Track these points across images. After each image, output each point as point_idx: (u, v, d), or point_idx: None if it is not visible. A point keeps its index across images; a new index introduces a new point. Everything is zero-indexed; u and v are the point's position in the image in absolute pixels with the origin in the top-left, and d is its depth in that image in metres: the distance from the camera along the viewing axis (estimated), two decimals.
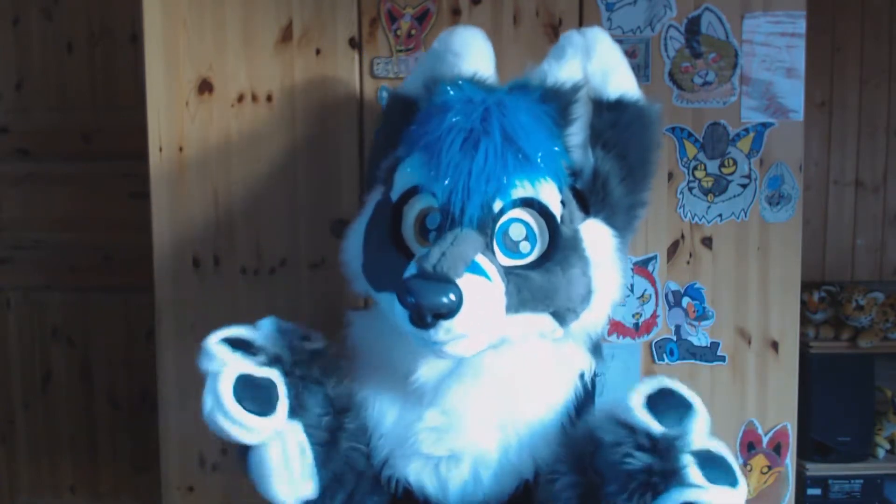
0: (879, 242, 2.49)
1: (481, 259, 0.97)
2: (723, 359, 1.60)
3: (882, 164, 2.47)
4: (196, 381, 1.60)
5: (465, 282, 0.93)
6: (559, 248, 1.03)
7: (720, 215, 1.59)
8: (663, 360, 1.59)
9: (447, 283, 0.91)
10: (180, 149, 1.57)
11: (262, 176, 1.57)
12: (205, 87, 1.56)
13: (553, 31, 1.55)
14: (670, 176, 1.58)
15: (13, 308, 2.24)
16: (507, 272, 1.00)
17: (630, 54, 1.55)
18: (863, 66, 2.45)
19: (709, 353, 1.60)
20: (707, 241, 1.59)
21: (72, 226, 2.19)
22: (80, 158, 2.18)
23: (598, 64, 1.12)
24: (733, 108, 1.57)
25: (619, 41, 1.54)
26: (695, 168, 1.58)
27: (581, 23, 1.55)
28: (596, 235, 1.07)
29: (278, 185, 1.57)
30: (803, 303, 2.08)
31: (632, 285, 1.59)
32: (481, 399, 1.06)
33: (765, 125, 1.57)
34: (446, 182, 0.99)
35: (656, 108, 1.17)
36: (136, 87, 1.70)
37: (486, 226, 1.00)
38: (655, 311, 1.59)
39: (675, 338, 1.59)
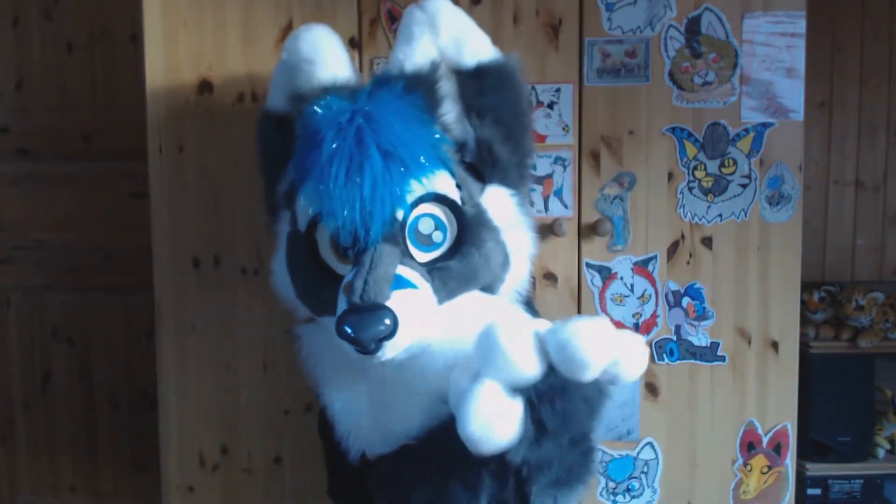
0: (879, 242, 2.49)
1: (402, 270, 1.02)
2: (723, 359, 1.60)
3: (882, 164, 2.47)
4: (196, 380, 1.61)
5: (395, 301, 0.98)
6: (468, 228, 1.08)
7: (720, 215, 1.59)
8: (663, 360, 1.60)
9: (379, 309, 0.97)
10: (180, 149, 1.57)
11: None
12: (205, 87, 1.56)
13: (553, 31, 1.55)
14: (670, 176, 1.58)
15: (13, 308, 2.24)
16: (429, 269, 1.05)
17: (630, 54, 1.55)
18: (863, 66, 2.44)
19: (709, 353, 1.60)
20: (707, 241, 1.59)
21: (72, 226, 2.19)
22: (80, 158, 2.18)
23: (447, 35, 1.13)
24: (733, 108, 1.57)
25: (619, 41, 1.55)
26: (695, 168, 1.58)
27: (581, 23, 1.55)
28: (497, 202, 1.13)
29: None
30: (803, 303, 2.08)
31: (632, 285, 1.59)
32: (431, 386, 1.07)
33: (765, 125, 1.57)
34: (345, 213, 1.03)
35: (514, 62, 1.17)
36: (136, 87, 1.69)
37: (396, 235, 1.05)
38: (655, 311, 1.59)
39: (675, 338, 1.60)
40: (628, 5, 1.55)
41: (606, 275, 1.58)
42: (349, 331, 0.96)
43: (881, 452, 2.22)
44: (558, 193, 1.57)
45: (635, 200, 1.58)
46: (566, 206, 1.57)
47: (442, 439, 1.01)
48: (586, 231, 1.58)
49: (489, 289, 1.12)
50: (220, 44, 1.56)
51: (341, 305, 1.01)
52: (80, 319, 2.22)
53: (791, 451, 1.62)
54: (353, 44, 1.55)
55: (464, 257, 1.07)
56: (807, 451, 2.09)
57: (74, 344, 2.23)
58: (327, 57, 1.18)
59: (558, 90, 1.56)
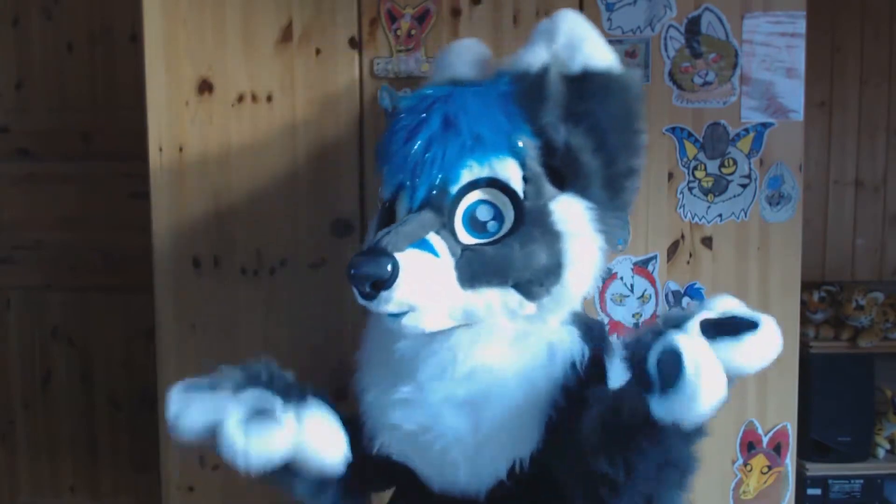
0: (879, 242, 2.49)
1: (433, 237, 1.02)
2: None
3: (882, 164, 2.47)
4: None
5: (405, 255, 0.98)
6: (523, 223, 1.04)
7: (720, 215, 1.59)
8: None
9: (382, 255, 0.97)
10: (180, 149, 1.57)
11: (262, 176, 1.57)
12: (205, 87, 1.56)
13: None
14: (670, 176, 1.58)
15: (13, 308, 2.24)
16: (464, 249, 1.03)
17: (630, 54, 1.55)
18: (863, 66, 2.45)
19: None
20: (707, 241, 1.59)
21: (72, 226, 2.19)
22: (80, 158, 2.18)
23: (563, 41, 1.12)
24: (733, 108, 1.57)
25: (619, 41, 1.55)
26: (695, 168, 1.58)
27: None
28: (570, 210, 1.07)
29: (278, 185, 1.57)
30: (803, 303, 2.08)
31: (632, 285, 1.59)
32: (452, 376, 1.06)
33: (765, 125, 1.57)
34: (400, 176, 1.06)
35: (628, 74, 1.13)
36: (136, 87, 1.69)
37: (442, 207, 1.04)
38: (655, 312, 1.59)
39: None
40: (628, 5, 1.55)
41: (606, 275, 1.58)
42: (350, 265, 0.97)
43: (881, 452, 2.22)
44: None
45: (635, 200, 1.58)
46: None
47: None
48: None
49: (524, 290, 1.05)
50: (220, 44, 1.56)
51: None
52: (80, 319, 2.22)
53: (791, 451, 1.62)
54: (353, 44, 1.55)
55: (502, 247, 1.03)
56: (807, 451, 2.09)
57: (74, 344, 2.23)
58: (461, 61, 1.24)
59: None
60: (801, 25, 1.55)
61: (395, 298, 0.98)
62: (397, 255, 0.97)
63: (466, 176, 1.04)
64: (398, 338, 1.09)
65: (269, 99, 1.56)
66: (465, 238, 1.04)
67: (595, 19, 1.54)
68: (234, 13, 1.55)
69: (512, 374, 1.07)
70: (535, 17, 1.54)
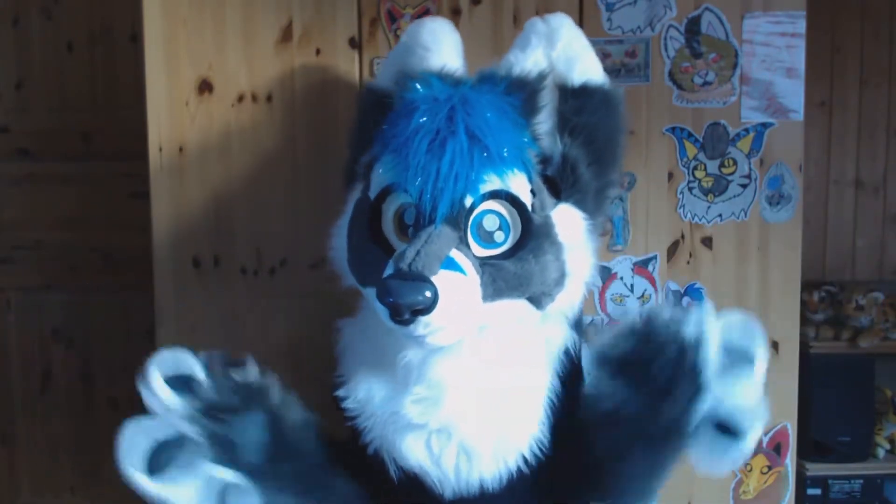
0: (879, 242, 2.49)
1: (456, 254, 1.01)
2: None
3: (882, 164, 2.47)
4: None
5: (441, 278, 0.97)
6: (531, 235, 1.06)
7: (720, 215, 1.59)
8: None
9: (423, 281, 0.96)
10: (180, 149, 1.57)
11: (262, 176, 1.57)
12: (205, 87, 1.56)
13: None
14: (670, 176, 1.58)
15: (13, 308, 2.24)
16: (482, 263, 1.04)
17: (630, 54, 1.55)
18: (863, 66, 2.45)
19: None
20: (707, 241, 1.59)
21: (72, 226, 2.19)
22: (80, 158, 2.18)
23: (562, 51, 1.15)
24: (733, 108, 1.57)
25: (619, 41, 1.55)
26: (695, 168, 1.58)
27: (581, 23, 1.55)
28: (567, 220, 1.11)
29: (278, 185, 1.57)
30: (803, 303, 2.08)
31: (632, 285, 1.59)
32: (463, 371, 1.08)
33: (765, 125, 1.57)
34: (417, 183, 1.04)
35: (620, 91, 1.19)
36: (136, 87, 1.69)
37: (459, 220, 1.04)
38: None
39: None
40: (628, 5, 1.55)
41: (606, 275, 1.58)
42: (388, 295, 0.96)
43: (881, 452, 2.22)
44: None
45: (635, 200, 1.58)
46: None
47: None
48: None
49: (536, 301, 1.09)
50: (220, 44, 1.56)
51: (388, 271, 1.01)
52: (80, 319, 2.22)
53: (791, 451, 1.62)
54: (353, 44, 1.55)
55: (520, 261, 1.05)
56: (807, 451, 2.09)
57: (74, 344, 2.22)
58: (444, 47, 1.20)
59: None
60: (801, 25, 1.55)
61: (433, 323, 0.98)
62: (434, 280, 0.97)
63: (484, 189, 1.05)
64: (399, 345, 1.09)
65: (269, 99, 1.56)
66: (477, 250, 1.05)
67: (595, 19, 1.55)
68: (234, 13, 1.55)
69: (516, 368, 1.11)
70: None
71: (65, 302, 2.22)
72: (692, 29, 1.55)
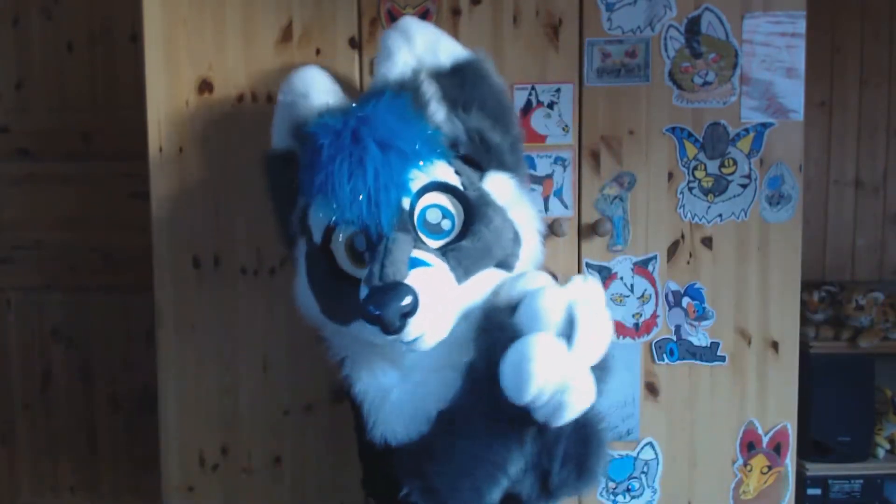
0: (879, 242, 2.49)
1: (417, 253, 1.07)
2: (723, 359, 1.60)
3: (882, 164, 2.47)
4: (196, 380, 1.61)
5: (413, 278, 1.03)
6: (474, 210, 1.13)
7: (720, 215, 1.59)
8: (663, 360, 1.60)
9: (399, 286, 1.01)
10: (180, 149, 1.57)
11: (262, 176, 1.57)
12: (205, 87, 1.56)
13: (553, 32, 1.55)
14: (670, 176, 1.58)
15: (13, 308, 2.24)
16: (443, 252, 1.10)
17: (630, 54, 1.55)
18: (863, 66, 2.44)
19: (709, 353, 1.60)
20: (707, 241, 1.59)
21: (72, 226, 2.19)
22: (80, 158, 2.18)
23: (421, 44, 1.24)
24: (733, 108, 1.57)
25: (619, 41, 1.55)
26: (695, 168, 1.58)
27: (581, 23, 1.55)
28: (498, 185, 1.20)
29: None
30: (803, 303, 2.08)
31: (632, 285, 1.59)
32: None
33: (765, 125, 1.57)
34: (352, 208, 1.09)
35: (483, 55, 1.27)
36: (136, 87, 1.70)
37: (406, 224, 1.09)
38: (655, 311, 1.59)
39: (675, 338, 1.60)
40: (628, 5, 1.55)
41: (606, 275, 1.58)
42: (373, 309, 1.00)
43: (881, 452, 2.22)
44: (558, 193, 1.57)
45: (635, 200, 1.58)
46: (566, 206, 1.57)
47: (467, 407, 1.06)
48: (586, 231, 1.58)
49: (505, 265, 1.16)
50: (220, 44, 1.56)
51: (363, 294, 1.05)
52: (80, 319, 2.22)
53: (791, 451, 1.62)
54: (353, 44, 1.55)
55: (474, 235, 1.11)
56: (807, 451, 2.09)
57: (74, 344, 2.23)
58: (319, 88, 1.29)
59: (558, 90, 1.56)
60: (801, 25, 1.55)
61: (422, 321, 1.03)
62: (408, 281, 1.02)
63: (414, 187, 1.11)
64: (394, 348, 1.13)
65: (269, 99, 1.56)
66: (432, 243, 1.11)
67: (595, 19, 1.55)
68: (234, 13, 1.55)
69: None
70: (535, 17, 1.54)
71: (65, 302, 2.22)
72: (692, 29, 1.55)
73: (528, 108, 1.56)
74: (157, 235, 1.58)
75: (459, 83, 1.22)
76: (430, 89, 1.21)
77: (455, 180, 1.15)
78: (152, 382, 1.64)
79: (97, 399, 2.23)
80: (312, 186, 1.13)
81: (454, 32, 1.54)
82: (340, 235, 1.14)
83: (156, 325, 1.60)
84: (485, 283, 1.13)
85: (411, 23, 1.27)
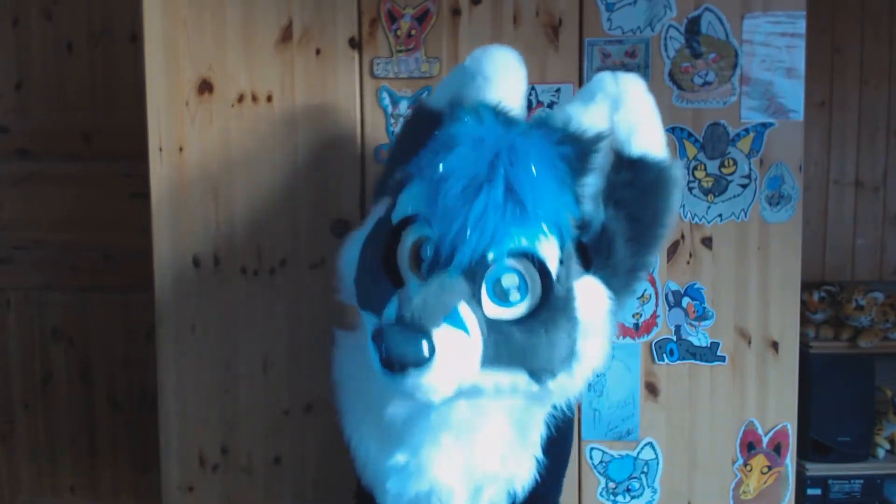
0: (879, 242, 2.49)
1: (463, 309, 0.95)
2: (723, 359, 1.60)
3: (882, 164, 2.47)
4: (196, 380, 1.61)
5: (441, 334, 0.92)
6: (548, 306, 0.99)
7: (720, 215, 1.59)
8: (663, 360, 1.60)
9: (421, 334, 0.91)
10: (180, 149, 1.57)
11: (262, 176, 1.57)
12: (205, 87, 1.56)
13: (553, 32, 1.55)
14: None
15: (13, 308, 2.24)
16: (490, 325, 0.97)
17: (630, 54, 1.55)
18: (863, 66, 2.45)
19: (709, 353, 1.60)
20: (707, 241, 1.59)
21: (72, 226, 2.19)
22: (80, 158, 2.18)
23: (626, 115, 1.09)
24: (733, 108, 1.57)
25: (619, 41, 1.55)
26: (695, 168, 1.58)
27: (581, 23, 1.55)
28: (591, 295, 1.04)
29: (278, 185, 1.57)
30: (803, 303, 2.08)
31: None
32: (448, 444, 1.06)
33: (765, 125, 1.57)
34: (442, 223, 0.97)
35: (678, 171, 1.13)
36: (136, 87, 1.70)
37: (476, 274, 0.97)
38: (655, 312, 1.59)
39: (675, 338, 1.60)
40: (628, 5, 1.55)
41: None
42: (384, 340, 0.92)
43: (881, 452, 2.22)
44: None
45: None
46: None
47: None
48: None
49: (536, 376, 1.02)
50: (220, 44, 1.56)
51: (389, 313, 0.96)
52: (80, 319, 2.22)
53: (791, 451, 1.62)
54: (353, 44, 1.55)
55: (530, 331, 0.98)
56: (807, 451, 2.09)
57: (74, 344, 2.23)
58: (506, 80, 1.13)
59: (558, 90, 1.56)
60: (801, 25, 1.55)
61: (423, 381, 0.92)
62: (434, 334, 0.91)
63: (509, 248, 0.98)
64: (388, 393, 1.06)
65: (269, 99, 1.56)
66: (489, 307, 0.98)
67: (595, 19, 1.55)
68: (234, 13, 1.55)
69: (505, 445, 1.10)
70: (535, 17, 1.54)
71: (65, 302, 2.22)
72: (692, 29, 1.55)
73: (527, 109, 1.56)
74: (157, 235, 1.58)
75: (631, 179, 1.07)
76: (599, 161, 1.05)
77: (554, 265, 1.00)
78: (152, 382, 1.64)
79: (97, 399, 2.23)
80: (424, 170, 1.02)
81: (454, 32, 1.54)
82: (416, 230, 1.03)
83: (156, 325, 1.60)
84: (507, 382, 1.01)
85: (634, 88, 1.12)
